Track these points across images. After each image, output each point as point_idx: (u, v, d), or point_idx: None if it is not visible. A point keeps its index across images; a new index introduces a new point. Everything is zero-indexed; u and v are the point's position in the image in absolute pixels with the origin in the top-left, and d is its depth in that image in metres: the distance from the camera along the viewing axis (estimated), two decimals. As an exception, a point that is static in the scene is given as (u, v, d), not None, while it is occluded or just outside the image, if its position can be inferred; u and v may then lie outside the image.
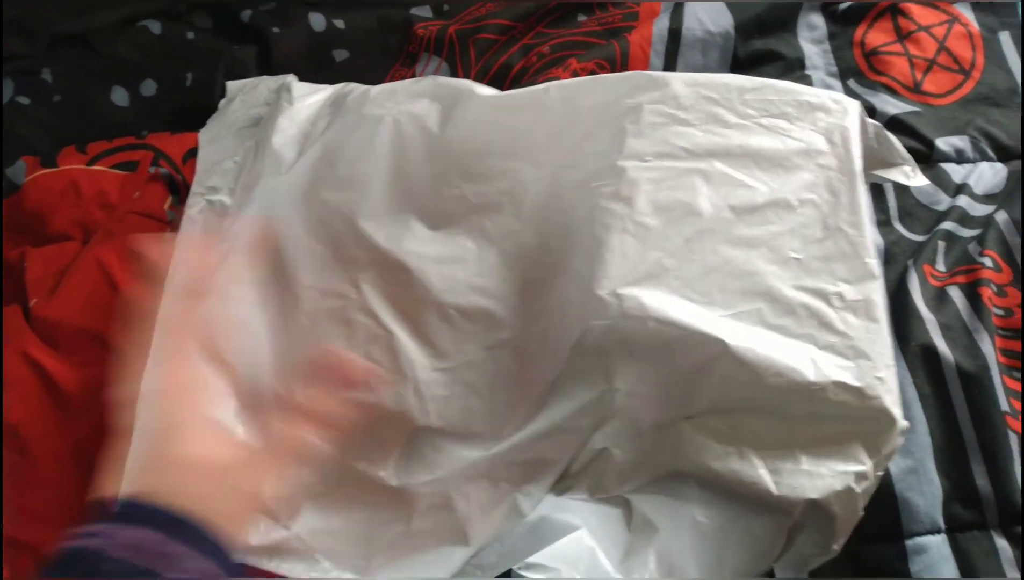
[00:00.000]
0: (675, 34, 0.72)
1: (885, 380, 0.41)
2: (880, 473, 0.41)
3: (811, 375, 0.41)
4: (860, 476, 0.41)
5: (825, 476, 0.41)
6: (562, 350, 0.43)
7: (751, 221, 0.44)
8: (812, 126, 0.47)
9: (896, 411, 0.41)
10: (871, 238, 0.45)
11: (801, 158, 0.46)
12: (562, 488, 0.44)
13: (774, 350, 0.41)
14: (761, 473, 0.41)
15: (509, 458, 0.43)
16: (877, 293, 0.43)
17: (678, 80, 0.48)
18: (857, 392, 0.41)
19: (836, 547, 0.42)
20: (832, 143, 0.46)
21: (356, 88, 0.59)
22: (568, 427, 0.43)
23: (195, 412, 0.38)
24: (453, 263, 0.47)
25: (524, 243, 0.46)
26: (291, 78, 0.63)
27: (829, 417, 0.41)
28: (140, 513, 0.33)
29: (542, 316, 0.45)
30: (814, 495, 0.40)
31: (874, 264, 0.44)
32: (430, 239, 0.48)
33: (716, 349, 0.41)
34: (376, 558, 0.44)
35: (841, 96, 0.49)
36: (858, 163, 0.46)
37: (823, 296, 0.43)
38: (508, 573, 0.51)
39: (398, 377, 0.46)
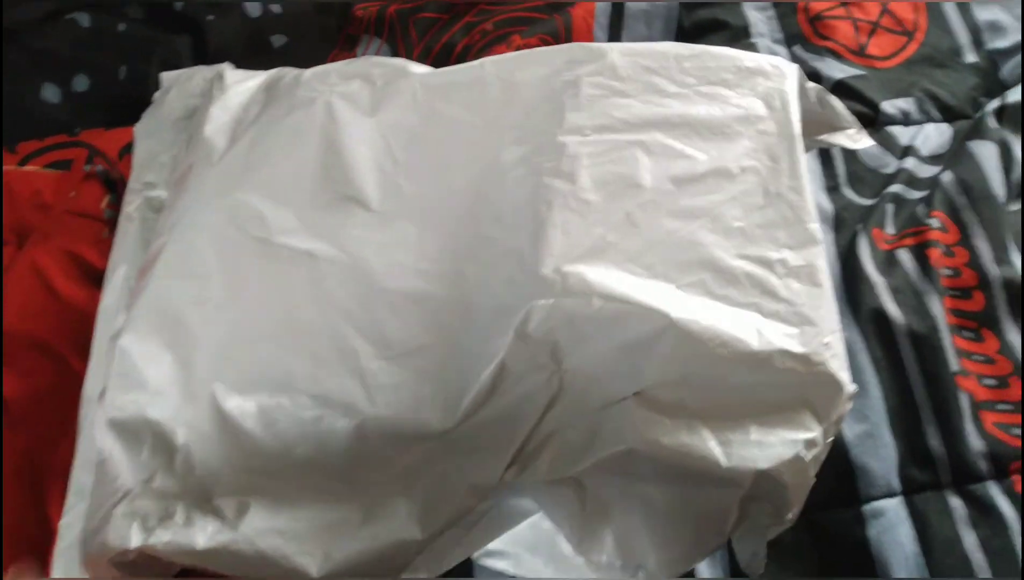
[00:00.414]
0: (618, 6, 0.72)
1: (831, 345, 0.41)
2: (830, 439, 0.41)
3: (756, 344, 0.40)
4: (809, 443, 0.40)
5: (775, 445, 0.40)
6: (506, 332, 0.42)
7: (692, 191, 0.43)
8: (751, 91, 0.46)
9: (843, 376, 0.41)
10: (812, 202, 0.44)
11: (741, 124, 0.45)
12: (514, 472, 0.44)
13: (719, 320, 0.40)
14: (711, 445, 0.41)
15: (461, 444, 0.43)
16: (820, 258, 0.43)
17: (615, 50, 0.47)
18: (803, 359, 0.40)
19: (791, 516, 0.42)
20: (771, 108, 0.46)
21: (290, 72, 0.57)
22: (518, 409, 0.43)
23: None
24: (395, 248, 0.46)
25: (467, 225, 0.46)
26: (224, 66, 0.61)
27: (776, 385, 0.41)
28: None
29: (487, 297, 0.44)
30: (764, 465, 0.40)
31: (815, 229, 0.43)
32: (370, 225, 0.47)
33: (661, 322, 0.40)
34: (333, 554, 0.44)
35: (779, 60, 0.48)
36: (797, 127, 0.46)
37: (766, 264, 0.42)
38: (468, 562, 0.51)
39: (343, 368, 0.45)
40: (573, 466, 0.44)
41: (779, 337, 0.41)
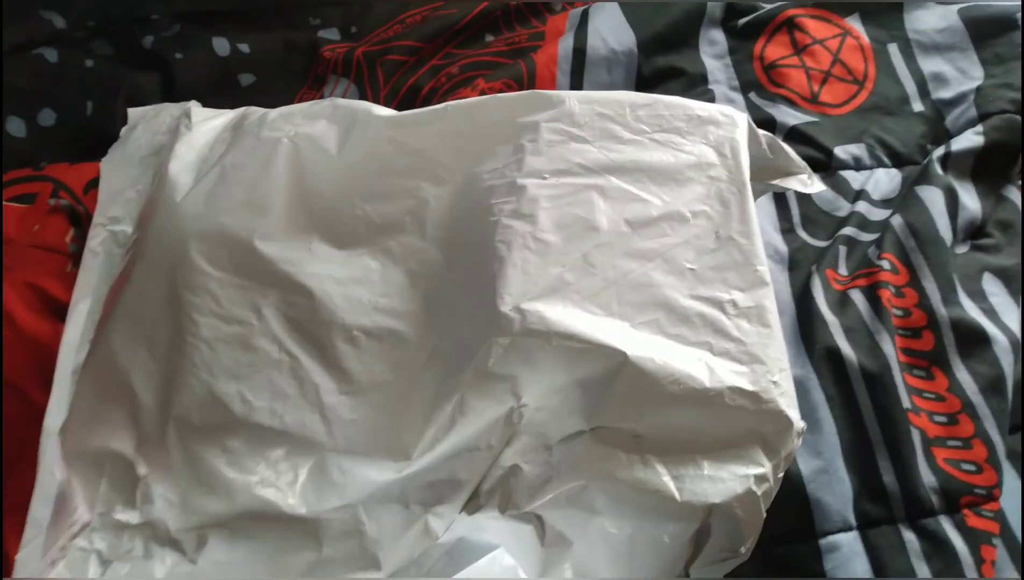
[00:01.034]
0: (580, 53, 0.73)
1: (779, 383, 0.42)
2: (780, 475, 0.42)
3: (707, 381, 0.41)
4: (760, 479, 0.41)
5: (727, 480, 0.41)
6: (468, 367, 0.43)
7: (647, 234, 0.45)
8: (703, 139, 0.48)
9: (792, 413, 0.42)
10: (761, 246, 0.46)
11: (693, 171, 0.47)
12: (474, 507, 0.44)
13: (672, 358, 0.42)
14: (665, 480, 0.42)
15: (419, 480, 0.43)
16: (768, 299, 0.44)
17: (573, 98, 0.49)
18: (753, 396, 0.42)
19: (744, 550, 0.42)
20: (722, 155, 0.48)
21: (256, 112, 0.58)
22: (478, 445, 0.43)
23: None
24: (357, 284, 0.47)
25: (429, 261, 0.47)
26: (191, 104, 0.62)
27: (728, 422, 0.42)
28: None
29: (448, 334, 0.45)
30: (717, 499, 0.41)
31: (764, 271, 0.45)
32: (333, 260, 0.48)
33: (617, 360, 0.41)
34: None
35: (730, 109, 0.50)
36: (747, 174, 0.47)
37: (717, 304, 0.44)
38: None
39: (303, 403, 0.45)
40: (531, 500, 0.44)
41: (729, 375, 0.42)
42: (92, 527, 0.44)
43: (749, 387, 0.42)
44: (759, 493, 0.41)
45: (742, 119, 0.49)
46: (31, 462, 0.52)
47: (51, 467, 0.50)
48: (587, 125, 0.48)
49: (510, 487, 0.44)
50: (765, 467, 0.41)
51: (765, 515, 0.42)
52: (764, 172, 0.51)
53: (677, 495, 0.41)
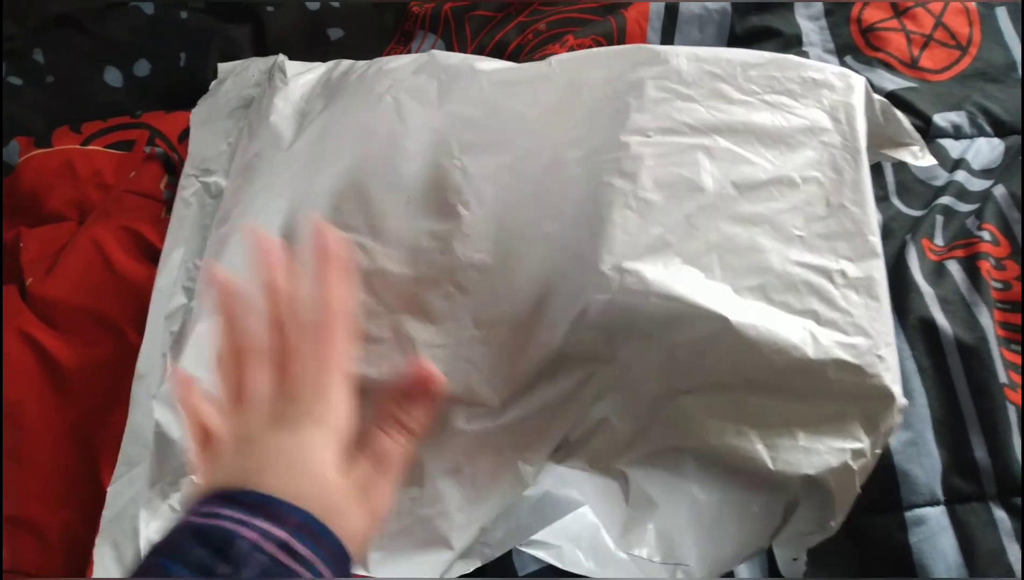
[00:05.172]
0: (672, 10, 0.72)
1: (885, 358, 0.41)
2: (878, 451, 0.41)
3: (811, 353, 0.40)
4: (857, 453, 0.40)
5: (822, 452, 0.40)
6: (563, 324, 0.43)
7: (754, 198, 0.43)
8: (816, 103, 0.46)
9: (895, 389, 0.41)
10: (875, 216, 0.44)
11: (805, 136, 0.45)
12: (561, 457, 0.44)
13: (775, 327, 0.41)
14: (758, 448, 0.41)
15: (511, 427, 0.43)
16: (879, 271, 0.43)
17: (681, 55, 0.48)
18: (857, 370, 0.40)
19: (834, 525, 0.42)
20: (836, 121, 0.46)
21: (350, 65, 0.58)
22: (569, 398, 0.43)
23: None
24: (451, 238, 0.47)
25: (522, 216, 0.46)
26: (282, 58, 0.62)
27: (828, 394, 0.41)
28: (279, 511, 0.33)
29: (541, 289, 0.44)
30: (810, 471, 0.40)
31: (876, 242, 0.43)
32: (429, 215, 0.48)
33: (717, 325, 0.40)
34: (390, 526, 0.45)
35: (847, 72, 0.48)
36: (862, 141, 0.45)
37: (825, 273, 0.42)
38: (508, 554, 0.52)
39: (398, 355, 0.45)
40: (619, 456, 0.44)
41: (834, 347, 0.41)
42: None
43: (854, 360, 0.40)
44: (856, 468, 0.40)
45: (859, 83, 0.47)
46: (126, 399, 0.54)
47: (145, 408, 0.52)
48: (695, 83, 0.46)
49: (599, 440, 0.44)
50: (863, 442, 0.40)
51: (859, 491, 0.41)
52: (874, 140, 0.49)
53: (770, 464, 0.41)
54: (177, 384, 0.45)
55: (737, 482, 0.42)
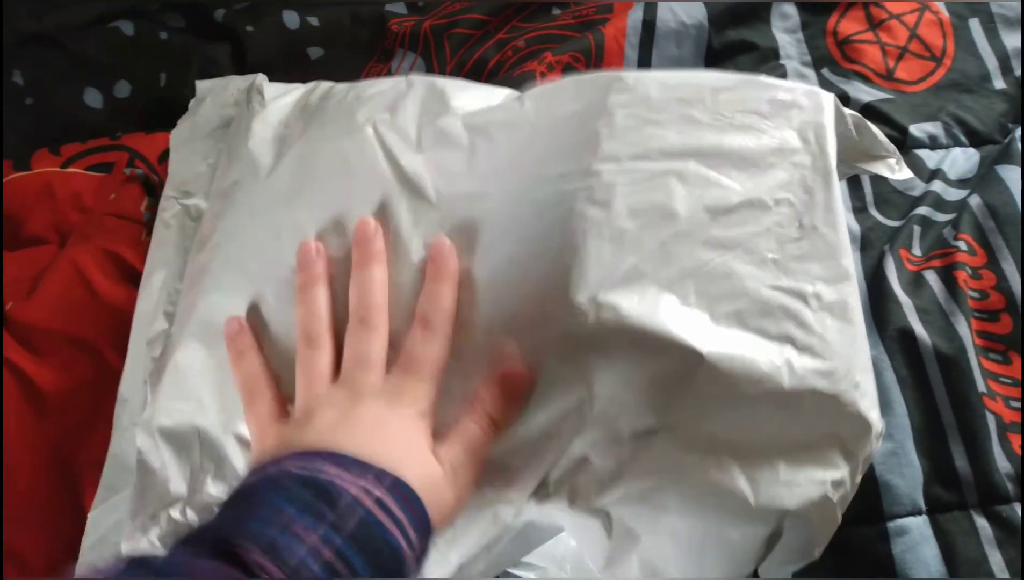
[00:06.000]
0: (649, 26, 0.72)
1: (861, 385, 0.41)
2: (858, 479, 0.41)
3: (787, 383, 0.40)
4: (837, 483, 0.40)
5: (803, 484, 0.40)
6: (540, 357, 0.42)
7: (727, 222, 0.43)
8: (786, 123, 0.45)
9: (873, 415, 0.41)
10: (846, 238, 0.44)
11: (775, 157, 0.44)
12: (541, 496, 0.44)
13: (751, 355, 0.40)
14: (740, 484, 0.41)
15: (490, 466, 0.43)
16: (852, 295, 0.42)
17: (650, 81, 0.47)
18: (833, 399, 0.40)
19: (817, 553, 0.42)
20: (806, 141, 0.45)
21: (328, 88, 0.58)
22: (548, 433, 0.43)
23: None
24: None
25: (499, 252, 0.45)
26: (261, 78, 0.62)
27: (806, 423, 0.41)
28: (376, 472, 0.35)
29: (515, 323, 0.44)
30: (792, 505, 0.40)
31: (849, 265, 0.43)
32: (411, 254, 0.47)
33: (693, 360, 0.40)
34: None
35: (816, 90, 0.47)
36: (832, 161, 0.45)
37: (801, 296, 0.42)
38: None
39: None
40: (600, 495, 0.44)
41: (810, 375, 0.40)
42: (185, 501, 0.46)
43: (830, 389, 0.40)
44: (835, 499, 0.40)
45: (829, 101, 0.47)
46: (107, 422, 0.54)
47: (128, 433, 0.52)
48: (664, 109, 0.45)
49: (579, 479, 0.43)
50: (842, 471, 0.40)
51: (840, 520, 0.41)
52: (849, 154, 0.49)
53: (752, 499, 0.40)
54: (232, 335, 0.47)
55: (719, 516, 0.42)
